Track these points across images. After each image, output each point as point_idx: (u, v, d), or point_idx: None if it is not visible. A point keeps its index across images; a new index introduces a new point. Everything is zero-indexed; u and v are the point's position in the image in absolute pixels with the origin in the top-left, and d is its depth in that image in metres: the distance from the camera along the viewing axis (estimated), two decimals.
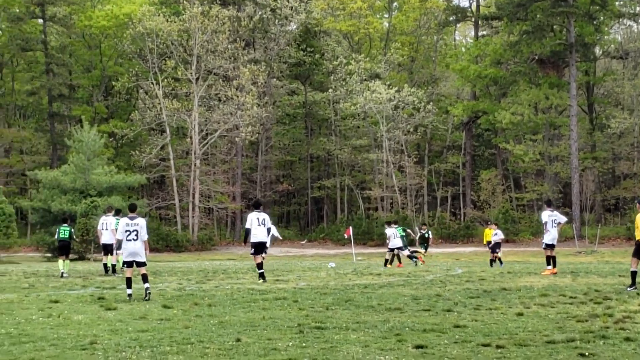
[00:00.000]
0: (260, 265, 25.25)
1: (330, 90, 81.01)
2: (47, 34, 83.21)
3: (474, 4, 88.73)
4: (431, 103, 79.95)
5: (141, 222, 19.95)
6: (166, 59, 74.43)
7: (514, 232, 70.57)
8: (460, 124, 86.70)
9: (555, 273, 27.43)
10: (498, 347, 11.69)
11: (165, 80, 74.20)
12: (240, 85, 73.72)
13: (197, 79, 73.96)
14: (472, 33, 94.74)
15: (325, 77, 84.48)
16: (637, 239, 20.71)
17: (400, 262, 37.14)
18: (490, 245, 37.37)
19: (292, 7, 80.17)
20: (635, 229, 20.94)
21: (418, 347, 11.72)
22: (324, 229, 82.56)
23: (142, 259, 19.91)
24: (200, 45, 72.80)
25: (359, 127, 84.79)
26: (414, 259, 36.79)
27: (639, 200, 22.17)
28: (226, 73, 75.19)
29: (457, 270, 31.62)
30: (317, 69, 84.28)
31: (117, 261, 27.76)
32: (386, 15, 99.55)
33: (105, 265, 30.85)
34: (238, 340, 12.43)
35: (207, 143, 75.85)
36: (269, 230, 25.46)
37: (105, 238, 29.75)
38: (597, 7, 73.95)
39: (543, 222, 28.63)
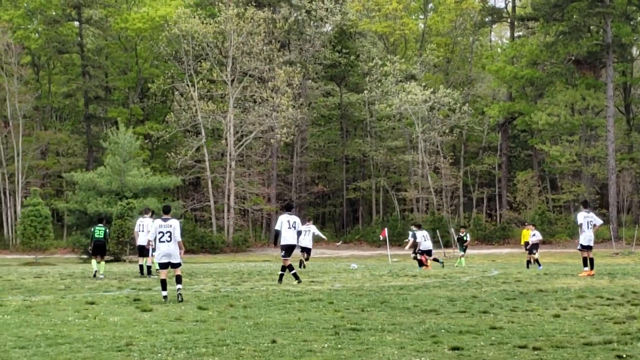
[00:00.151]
0: (290, 267, 25.03)
1: (365, 91, 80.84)
2: (83, 37, 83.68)
3: (510, 5, 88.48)
4: (467, 104, 79.93)
5: (174, 223, 19.77)
6: (201, 60, 74.62)
7: (551, 234, 70.04)
8: (496, 125, 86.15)
9: (593, 275, 27.06)
10: (534, 349, 11.58)
11: (201, 82, 74.16)
12: (275, 86, 73.69)
13: (233, 80, 73.90)
14: (508, 34, 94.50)
15: (361, 79, 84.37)
16: None
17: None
18: (527, 247, 37.18)
19: (327, 9, 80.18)
20: None
21: (454, 348, 11.64)
22: (359, 230, 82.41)
23: (177, 260, 19.77)
24: (235, 47, 72.78)
25: (394, 128, 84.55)
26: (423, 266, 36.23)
27: None
28: (261, 75, 75.13)
29: (493, 272, 31.28)
30: (353, 70, 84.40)
31: (153, 263, 27.63)
32: (421, 17, 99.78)
33: (141, 266, 30.86)
34: (273, 341, 12.38)
35: (242, 145, 75.79)
36: (299, 233, 25.22)
37: (142, 239, 29.66)
38: (634, 8, 73.47)
39: (578, 223, 28.32)
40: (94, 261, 30.26)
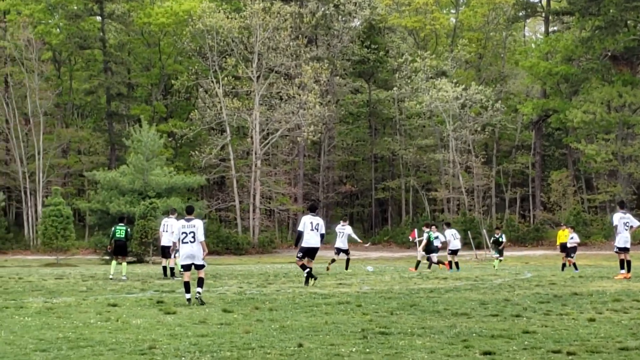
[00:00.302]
0: (303, 267, 25.07)
1: (395, 88, 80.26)
2: (106, 32, 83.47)
3: None
4: (499, 101, 79.44)
5: (198, 224, 19.71)
6: (226, 56, 74.47)
7: (586, 235, 69.13)
8: (530, 123, 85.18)
9: (629, 277, 27.02)
10: (569, 353, 11.61)
11: (226, 78, 73.93)
12: (302, 83, 73.69)
13: (258, 77, 73.76)
14: (542, 29, 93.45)
15: (390, 75, 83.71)
16: None
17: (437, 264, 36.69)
18: (563, 249, 37.69)
19: (355, 3, 79.98)
20: None
21: (486, 353, 11.66)
22: (388, 231, 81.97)
23: (200, 262, 19.78)
24: (261, 43, 72.73)
25: (424, 126, 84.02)
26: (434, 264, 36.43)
27: None
28: (288, 71, 75.30)
29: (527, 274, 31.44)
30: (382, 66, 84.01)
31: (176, 264, 27.42)
32: (453, 11, 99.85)
33: (164, 268, 30.83)
34: (300, 345, 12.41)
35: (268, 143, 75.84)
36: (322, 236, 24.88)
37: (165, 240, 29.67)
38: None
39: (614, 224, 28.01)
40: (113, 262, 30.73)
